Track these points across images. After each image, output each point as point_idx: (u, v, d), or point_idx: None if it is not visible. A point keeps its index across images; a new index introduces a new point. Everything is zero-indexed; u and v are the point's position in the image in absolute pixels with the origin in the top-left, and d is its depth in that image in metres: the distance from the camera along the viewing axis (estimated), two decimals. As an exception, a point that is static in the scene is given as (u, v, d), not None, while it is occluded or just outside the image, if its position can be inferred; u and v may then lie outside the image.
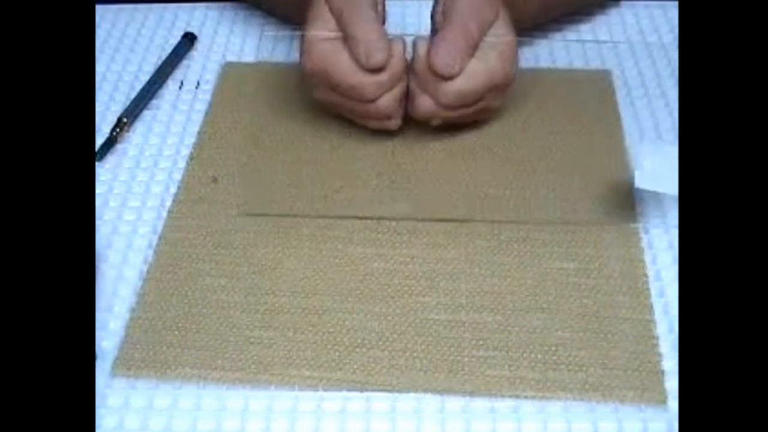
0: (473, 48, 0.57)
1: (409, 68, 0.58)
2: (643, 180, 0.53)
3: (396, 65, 0.57)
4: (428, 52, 0.57)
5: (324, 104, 0.62)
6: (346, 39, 0.57)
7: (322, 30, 0.58)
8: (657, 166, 0.53)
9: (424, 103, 0.58)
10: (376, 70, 0.56)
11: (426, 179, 0.60)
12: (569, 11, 0.73)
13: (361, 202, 0.58)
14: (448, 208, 0.58)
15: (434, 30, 0.60)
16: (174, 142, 0.64)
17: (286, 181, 0.60)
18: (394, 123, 0.60)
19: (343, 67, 0.57)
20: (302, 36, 0.59)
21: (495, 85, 0.58)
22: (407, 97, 0.59)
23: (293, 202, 0.58)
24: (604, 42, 0.71)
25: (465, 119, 0.61)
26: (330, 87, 0.59)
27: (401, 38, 0.58)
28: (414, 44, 0.58)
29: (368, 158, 0.61)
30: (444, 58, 0.56)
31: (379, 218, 0.57)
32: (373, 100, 0.58)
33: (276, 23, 0.74)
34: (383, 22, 0.60)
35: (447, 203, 0.58)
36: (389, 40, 0.57)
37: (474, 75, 0.57)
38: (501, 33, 0.58)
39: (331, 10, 0.58)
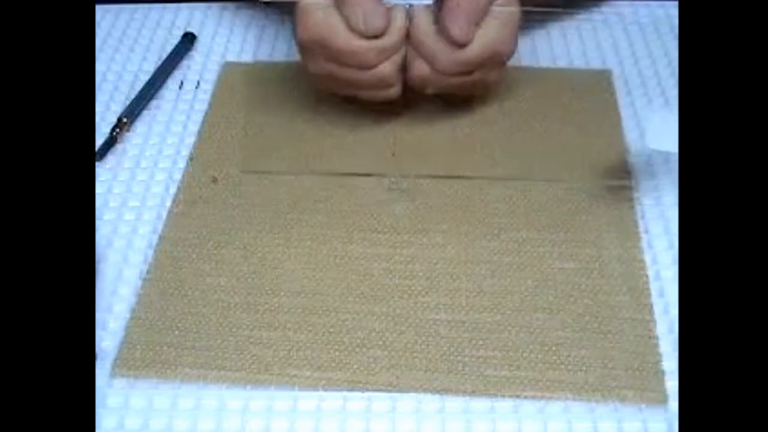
0: (483, 16, 0.57)
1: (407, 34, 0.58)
2: (654, 141, 0.53)
3: (396, 32, 0.56)
4: (435, 19, 0.56)
5: (321, 78, 0.60)
6: (341, 5, 0.56)
7: None
8: (666, 127, 0.53)
9: (420, 68, 0.58)
10: (375, 36, 0.56)
11: (424, 181, 0.59)
12: None
13: (361, 194, 0.59)
14: (446, 197, 0.58)
15: None
16: (174, 142, 0.64)
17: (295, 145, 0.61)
18: (395, 91, 0.59)
19: (340, 33, 0.56)
20: (295, 6, 0.58)
21: (493, 56, 0.58)
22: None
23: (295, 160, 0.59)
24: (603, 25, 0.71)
25: (460, 90, 0.61)
26: (327, 57, 0.58)
27: (402, 6, 0.57)
28: (409, 11, 0.58)
29: (369, 157, 0.61)
30: (461, 25, 0.55)
31: (380, 175, 0.59)
32: (373, 67, 0.57)
33: (276, 23, 0.74)
34: None
35: (446, 200, 0.58)
36: (389, 8, 0.57)
37: (474, 44, 0.56)
38: (505, 3, 0.57)
39: None
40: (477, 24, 0.56)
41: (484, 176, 0.59)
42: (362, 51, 0.56)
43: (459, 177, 0.59)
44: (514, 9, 0.58)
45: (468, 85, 0.60)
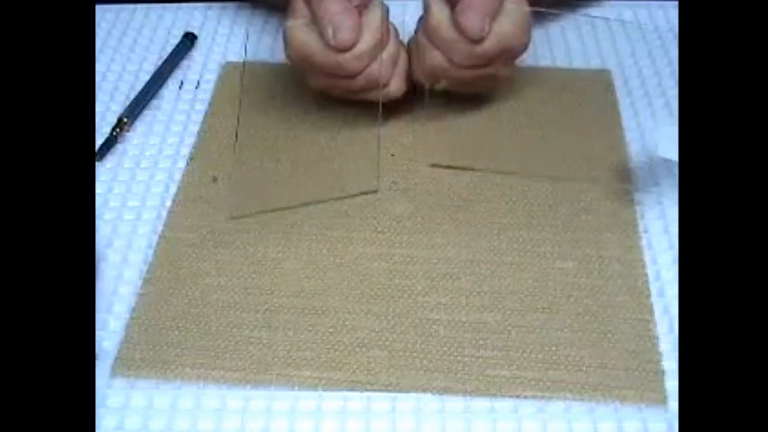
0: (497, 11, 0.57)
1: (422, 23, 0.58)
2: (665, 150, 0.53)
3: (372, 34, 0.57)
4: (451, 13, 0.56)
5: (322, 90, 0.61)
6: (315, 22, 0.57)
7: (300, 17, 0.58)
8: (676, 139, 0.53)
9: (435, 58, 0.58)
10: (347, 47, 0.56)
11: (424, 181, 0.60)
12: None
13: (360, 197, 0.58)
14: (446, 197, 0.58)
15: None
16: (174, 142, 0.64)
17: (281, 179, 0.60)
18: (394, 89, 0.60)
19: (319, 50, 0.57)
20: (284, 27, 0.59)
21: (506, 50, 0.58)
22: (410, 63, 0.59)
23: (286, 195, 0.58)
24: (604, 19, 0.71)
25: (471, 84, 0.61)
26: (317, 72, 0.59)
27: (378, 1, 0.58)
28: (426, 1, 0.58)
29: (368, 159, 0.61)
30: (476, 21, 0.56)
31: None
32: (360, 72, 0.58)
33: (276, 23, 0.74)
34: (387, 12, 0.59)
35: (446, 200, 0.58)
36: (365, 8, 0.57)
37: (490, 37, 0.57)
38: (516, 2, 0.58)
39: None
40: (492, 18, 0.57)
41: (484, 169, 0.59)
42: (342, 62, 0.57)
43: (460, 168, 0.59)
44: (526, 8, 0.58)
45: (480, 78, 0.60)
